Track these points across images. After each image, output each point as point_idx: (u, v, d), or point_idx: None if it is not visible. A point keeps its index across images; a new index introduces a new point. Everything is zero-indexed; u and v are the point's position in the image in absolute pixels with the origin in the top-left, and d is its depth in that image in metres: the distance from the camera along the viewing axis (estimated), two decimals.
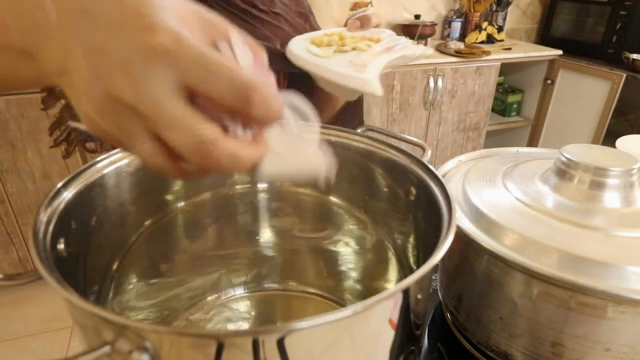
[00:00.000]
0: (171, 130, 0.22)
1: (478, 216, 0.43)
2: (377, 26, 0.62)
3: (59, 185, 0.38)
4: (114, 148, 0.62)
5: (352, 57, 0.52)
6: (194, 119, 0.22)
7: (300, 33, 0.67)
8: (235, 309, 0.58)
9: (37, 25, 0.23)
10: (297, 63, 0.54)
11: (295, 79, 0.73)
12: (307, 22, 0.68)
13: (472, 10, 2.31)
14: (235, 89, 0.22)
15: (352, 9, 1.97)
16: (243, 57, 0.25)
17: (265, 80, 0.24)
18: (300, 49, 0.54)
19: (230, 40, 0.26)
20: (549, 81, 2.30)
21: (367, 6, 1.99)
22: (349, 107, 0.75)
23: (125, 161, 0.44)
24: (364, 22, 0.60)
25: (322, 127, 0.51)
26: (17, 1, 0.23)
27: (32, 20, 0.23)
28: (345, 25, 0.62)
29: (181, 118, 0.22)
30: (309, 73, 0.66)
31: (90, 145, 0.64)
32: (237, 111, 0.24)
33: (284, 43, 0.64)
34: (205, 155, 0.23)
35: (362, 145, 0.50)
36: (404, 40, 0.56)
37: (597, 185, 0.42)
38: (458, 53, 2.02)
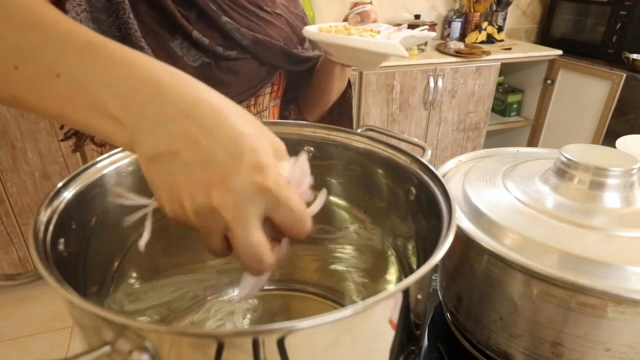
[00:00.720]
0: (244, 247, 0.28)
1: (478, 216, 0.43)
2: (374, 21, 0.65)
3: (59, 185, 0.38)
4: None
5: None
6: (262, 244, 0.28)
7: (299, 35, 0.68)
8: (234, 309, 0.58)
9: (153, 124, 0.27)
10: (321, 40, 0.59)
11: (293, 76, 0.73)
12: (303, 24, 0.70)
13: (472, 10, 2.31)
14: (296, 221, 0.29)
15: (352, 9, 1.97)
16: (305, 179, 0.31)
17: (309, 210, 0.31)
18: (313, 30, 0.59)
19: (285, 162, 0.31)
20: (549, 81, 2.30)
21: (368, 4, 1.99)
22: (338, 105, 0.77)
23: (126, 161, 0.44)
24: (364, 17, 0.64)
25: (323, 128, 0.52)
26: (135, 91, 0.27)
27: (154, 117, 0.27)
28: (344, 20, 0.65)
29: (256, 243, 0.28)
30: (309, 62, 0.68)
31: (98, 139, 0.65)
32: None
33: (286, 42, 0.65)
34: (254, 266, 0.29)
35: (362, 145, 0.50)
36: (405, 28, 0.62)
37: (597, 185, 0.42)
38: (458, 53, 2.02)
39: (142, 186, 0.46)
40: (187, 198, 0.27)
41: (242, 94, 0.64)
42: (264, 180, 0.27)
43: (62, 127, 0.63)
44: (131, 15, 0.54)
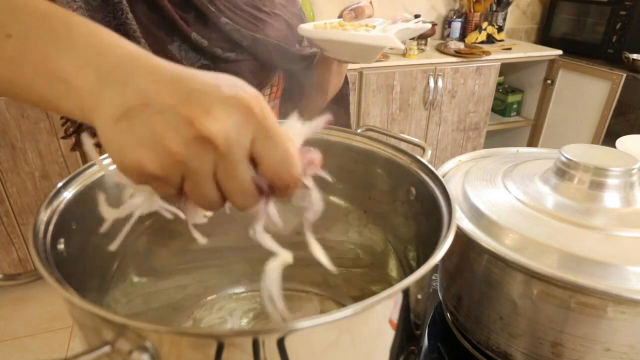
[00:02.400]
0: (237, 182, 0.26)
1: (478, 216, 0.43)
2: (369, 17, 0.66)
3: (59, 185, 0.38)
4: None
5: None
6: (249, 183, 0.27)
7: (297, 33, 0.68)
8: (235, 308, 0.58)
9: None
10: (316, 37, 0.59)
11: (292, 75, 0.74)
12: (301, 22, 0.70)
13: (472, 10, 2.31)
14: (282, 159, 0.27)
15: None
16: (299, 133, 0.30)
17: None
18: (308, 27, 0.60)
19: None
20: (549, 81, 2.30)
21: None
22: (335, 101, 0.77)
23: None
24: (358, 13, 0.64)
25: (323, 128, 0.51)
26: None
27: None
28: (339, 17, 0.65)
29: (243, 179, 0.26)
30: (308, 56, 0.69)
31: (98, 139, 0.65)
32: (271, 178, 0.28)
33: (284, 41, 0.65)
34: (246, 205, 0.28)
35: (362, 145, 0.50)
36: (400, 22, 0.63)
37: (597, 185, 0.42)
38: (458, 53, 2.02)
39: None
40: (172, 139, 0.24)
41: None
42: (254, 105, 0.25)
43: (63, 124, 0.63)
44: (129, 16, 0.54)
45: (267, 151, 0.26)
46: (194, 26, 0.58)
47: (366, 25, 0.60)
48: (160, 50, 0.56)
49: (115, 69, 0.25)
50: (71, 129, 0.64)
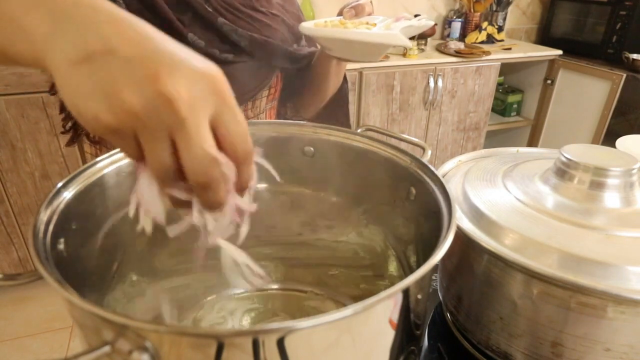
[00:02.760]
0: (196, 149, 0.25)
1: (478, 216, 0.43)
2: (369, 14, 0.65)
3: (59, 185, 0.38)
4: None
5: None
6: (213, 146, 0.26)
7: (295, 33, 0.68)
8: (235, 308, 0.58)
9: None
10: (320, 35, 0.58)
11: (289, 74, 0.73)
12: (299, 22, 0.71)
13: (472, 10, 2.31)
14: (240, 135, 0.27)
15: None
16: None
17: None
18: (310, 26, 0.59)
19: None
20: (549, 81, 2.30)
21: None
22: (334, 100, 0.77)
23: (126, 161, 0.44)
24: (358, 11, 0.63)
25: (323, 128, 0.52)
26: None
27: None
28: (339, 15, 0.65)
29: (208, 144, 0.25)
30: (307, 55, 0.69)
31: (94, 138, 0.65)
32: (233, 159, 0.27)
33: (282, 41, 0.65)
34: (204, 175, 0.26)
35: (362, 145, 0.50)
36: (403, 19, 0.62)
37: (597, 185, 0.42)
38: (458, 53, 2.02)
39: None
40: (132, 93, 0.23)
41: (240, 98, 0.64)
42: (218, 79, 0.25)
43: (63, 119, 0.63)
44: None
45: (229, 124, 0.26)
46: (191, 27, 0.57)
47: (367, 23, 0.60)
48: None
49: (74, 10, 0.24)
50: (69, 124, 0.63)
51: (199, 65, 0.25)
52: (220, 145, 0.26)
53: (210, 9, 0.58)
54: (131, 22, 0.25)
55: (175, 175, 0.26)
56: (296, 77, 0.75)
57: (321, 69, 0.71)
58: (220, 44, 0.59)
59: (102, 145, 0.64)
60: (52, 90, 0.61)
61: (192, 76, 0.24)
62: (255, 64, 0.64)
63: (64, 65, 0.24)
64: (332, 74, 0.72)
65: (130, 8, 0.54)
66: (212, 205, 0.28)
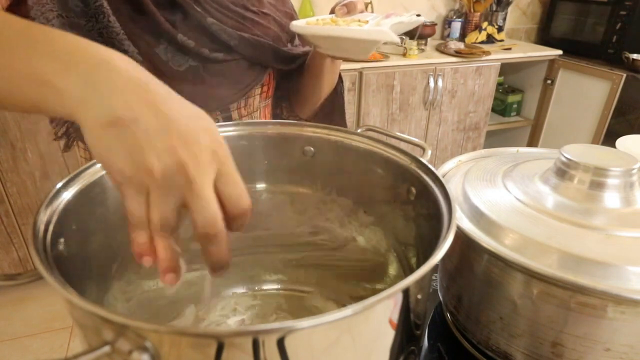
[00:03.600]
0: (203, 208, 0.29)
1: (478, 216, 0.43)
2: (361, 12, 0.65)
3: (59, 185, 0.38)
4: None
5: None
6: (216, 207, 0.30)
7: (288, 32, 0.68)
8: (235, 308, 0.58)
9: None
10: (310, 33, 0.58)
11: (284, 74, 0.73)
12: (292, 21, 0.70)
13: (472, 10, 2.31)
14: (239, 195, 0.31)
15: None
16: None
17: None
18: (306, 25, 0.59)
19: None
20: (549, 81, 2.30)
21: (367, 6, 1.99)
22: (329, 100, 0.77)
23: None
24: (350, 9, 0.63)
25: (323, 128, 0.52)
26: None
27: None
28: (331, 13, 0.65)
29: (212, 199, 0.29)
30: (302, 54, 0.69)
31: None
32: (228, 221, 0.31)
33: (274, 41, 0.65)
34: (210, 230, 0.30)
35: (362, 145, 0.50)
36: (393, 16, 0.63)
37: (597, 185, 0.42)
38: (458, 53, 2.02)
39: None
40: (153, 158, 0.28)
41: (232, 96, 0.64)
42: (220, 149, 0.30)
43: (54, 128, 0.63)
44: (111, 18, 0.53)
45: (227, 186, 0.30)
46: (180, 28, 0.57)
47: (359, 21, 0.60)
48: (146, 53, 0.56)
49: (102, 75, 0.28)
50: (60, 132, 0.64)
51: (205, 138, 0.29)
52: (223, 203, 0.30)
53: (199, 9, 0.58)
54: (149, 85, 0.29)
55: (173, 230, 0.30)
56: (290, 76, 0.74)
57: (315, 68, 0.71)
58: (210, 44, 0.59)
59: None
60: (56, 137, 0.63)
61: (199, 146, 0.29)
62: (246, 63, 0.64)
63: (94, 126, 0.28)
64: (326, 73, 0.71)
65: (119, 12, 0.54)
66: (218, 260, 0.32)
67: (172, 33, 0.56)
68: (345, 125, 0.82)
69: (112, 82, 0.28)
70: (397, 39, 0.54)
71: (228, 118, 0.66)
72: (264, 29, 0.65)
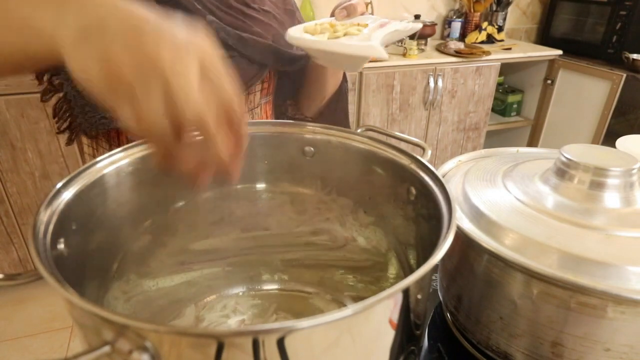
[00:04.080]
0: (185, 96, 0.28)
1: (478, 216, 0.43)
2: (362, 14, 0.64)
3: (59, 185, 0.38)
4: (108, 142, 0.63)
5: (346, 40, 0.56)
6: (200, 91, 0.29)
7: (269, 29, 0.68)
8: (235, 308, 0.58)
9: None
10: (300, 45, 0.58)
11: (283, 74, 0.73)
12: (294, 19, 0.70)
13: (472, 10, 2.31)
14: (226, 96, 0.30)
15: None
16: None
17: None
18: (297, 34, 0.58)
19: None
20: (549, 81, 2.30)
21: (367, 6, 1.99)
22: (335, 99, 0.77)
23: (126, 161, 0.44)
24: (350, 11, 0.62)
25: (323, 128, 0.52)
26: None
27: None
28: (332, 15, 0.64)
29: (194, 85, 0.28)
30: (301, 61, 0.68)
31: (91, 133, 0.66)
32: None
33: (274, 39, 0.65)
34: (203, 124, 0.29)
35: (362, 145, 0.50)
36: (392, 20, 0.61)
37: (597, 185, 0.42)
38: (458, 53, 2.02)
39: (142, 186, 0.46)
40: (122, 57, 0.27)
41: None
42: (201, 42, 0.30)
43: (57, 121, 0.63)
44: None
45: (212, 84, 0.30)
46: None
47: (357, 25, 0.59)
48: None
49: (67, 4, 0.29)
50: (63, 126, 0.64)
51: (182, 35, 0.29)
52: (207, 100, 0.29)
53: (199, 7, 0.58)
54: (122, 3, 0.29)
55: (174, 136, 0.30)
56: (295, 75, 0.74)
57: (318, 70, 0.71)
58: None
59: (99, 139, 0.64)
60: (44, 97, 0.62)
61: (174, 42, 0.28)
62: (245, 60, 0.63)
63: (69, 44, 0.29)
64: (328, 75, 0.71)
65: None
66: (222, 154, 0.31)
67: None
68: (348, 124, 0.81)
69: (80, 3, 0.29)
70: (385, 56, 0.53)
71: None
72: (265, 26, 0.64)
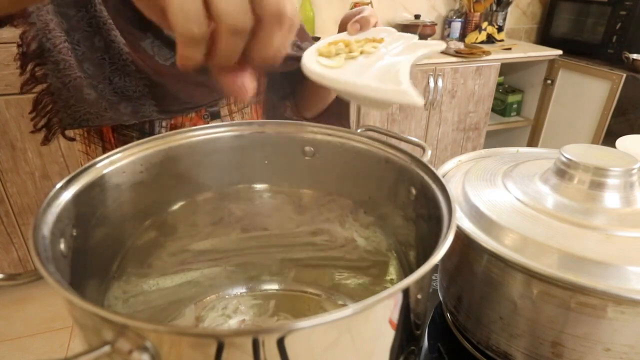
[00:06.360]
0: None
1: (478, 216, 0.43)
2: (374, 26, 0.60)
3: (59, 185, 0.38)
4: (98, 137, 0.62)
5: (364, 61, 0.50)
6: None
7: None
8: (235, 308, 0.58)
9: None
10: (321, 82, 0.49)
11: (283, 74, 0.72)
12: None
13: (472, 10, 2.31)
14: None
15: (352, 9, 1.97)
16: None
17: None
18: (313, 64, 0.50)
19: None
20: (549, 81, 2.30)
21: (367, 5, 1.98)
22: (336, 103, 0.76)
23: (126, 161, 0.44)
24: (363, 24, 0.58)
25: (323, 128, 0.51)
26: None
27: None
28: (340, 29, 0.60)
29: None
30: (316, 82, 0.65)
31: (69, 133, 0.64)
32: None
33: None
34: (281, 18, 0.28)
35: (362, 145, 0.50)
36: (408, 36, 0.55)
37: (597, 185, 0.42)
38: (458, 53, 2.02)
39: (142, 186, 0.46)
40: None
41: (219, 91, 0.63)
42: None
43: (32, 119, 0.62)
44: (98, 7, 0.54)
45: None
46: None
47: (373, 40, 0.54)
48: (132, 46, 0.56)
49: None
50: (40, 124, 0.62)
51: None
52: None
53: None
54: None
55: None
56: (292, 76, 0.73)
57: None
58: None
59: (90, 136, 0.64)
60: (25, 87, 0.60)
61: None
62: None
63: None
64: None
65: (106, 3, 0.55)
66: (264, 50, 0.30)
67: (158, 27, 0.57)
68: (348, 126, 0.81)
69: None
70: (421, 103, 0.45)
71: (215, 113, 0.66)
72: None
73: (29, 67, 0.58)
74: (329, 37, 0.55)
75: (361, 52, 0.51)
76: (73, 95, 0.57)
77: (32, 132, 0.63)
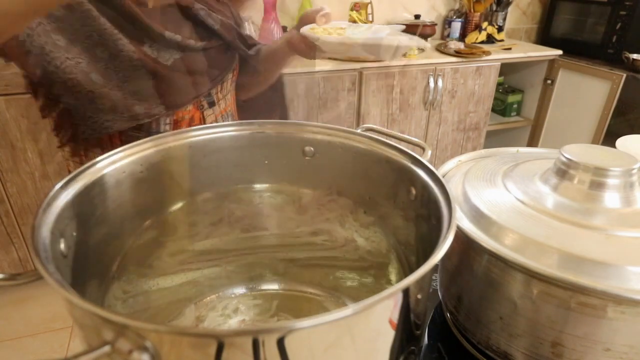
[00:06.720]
0: None
1: (478, 216, 0.43)
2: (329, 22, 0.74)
3: (59, 185, 0.38)
4: (98, 149, 0.63)
5: (350, 34, 0.68)
6: None
7: (236, 17, 0.74)
8: (235, 308, 0.58)
9: None
10: (345, 46, 0.66)
11: (244, 59, 0.79)
12: (228, 10, 0.75)
13: (472, 10, 2.31)
14: None
15: (352, 9, 1.97)
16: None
17: None
18: (328, 37, 0.67)
19: None
20: (549, 81, 2.29)
21: (367, 6, 1.99)
22: (271, 88, 0.85)
23: (126, 161, 0.44)
24: (328, 18, 0.73)
25: (323, 128, 0.52)
26: None
27: None
28: (300, 25, 0.73)
29: None
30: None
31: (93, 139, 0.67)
32: None
33: (236, 25, 0.72)
34: None
35: (362, 145, 0.50)
36: (393, 26, 0.72)
37: (597, 185, 0.42)
38: (458, 53, 2.02)
39: (142, 186, 0.46)
40: None
41: (214, 81, 0.68)
42: None
43: (57, 135, 0.64)
44: (101, 20, 0.55)
45: None
46: (167, 25, 0.61)
47: (340, 28, 0.69)
48: (138, 50, 0.59)
49: None
50: (65, 138, 0.64)
51: None
52: None
53: None
54: None
55: None
56: (243, 61, 0.79)
57: (278, 59, 0.78)
58: (194, 33, 0.64)
59: (87, 151, 0.65)
60: (44, 112, 0.62)
61: None
62: (222, 48, 0.69)
63: None
64: (286, 65, 0.79)
65: (103, 14, 0.56)
66: None
67: (158, 32, 0.59)
68: (286, 107, 0.91)
69: None
70: (427, 45, 0.63)
71: (212, 103, 0.70)
72: (228, 15, 0.71)
73: (41, 92, 0.61)
74: (305, 27, 0.70)
75: (338, 34, 0.67)
76: (88, 108, 0.59)
77: (59, 147, 0.66)
